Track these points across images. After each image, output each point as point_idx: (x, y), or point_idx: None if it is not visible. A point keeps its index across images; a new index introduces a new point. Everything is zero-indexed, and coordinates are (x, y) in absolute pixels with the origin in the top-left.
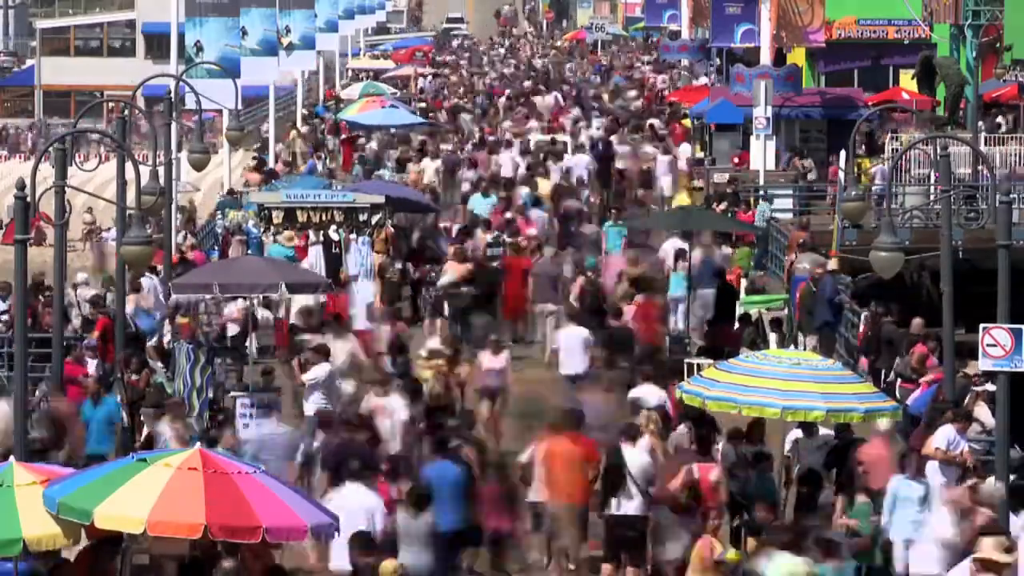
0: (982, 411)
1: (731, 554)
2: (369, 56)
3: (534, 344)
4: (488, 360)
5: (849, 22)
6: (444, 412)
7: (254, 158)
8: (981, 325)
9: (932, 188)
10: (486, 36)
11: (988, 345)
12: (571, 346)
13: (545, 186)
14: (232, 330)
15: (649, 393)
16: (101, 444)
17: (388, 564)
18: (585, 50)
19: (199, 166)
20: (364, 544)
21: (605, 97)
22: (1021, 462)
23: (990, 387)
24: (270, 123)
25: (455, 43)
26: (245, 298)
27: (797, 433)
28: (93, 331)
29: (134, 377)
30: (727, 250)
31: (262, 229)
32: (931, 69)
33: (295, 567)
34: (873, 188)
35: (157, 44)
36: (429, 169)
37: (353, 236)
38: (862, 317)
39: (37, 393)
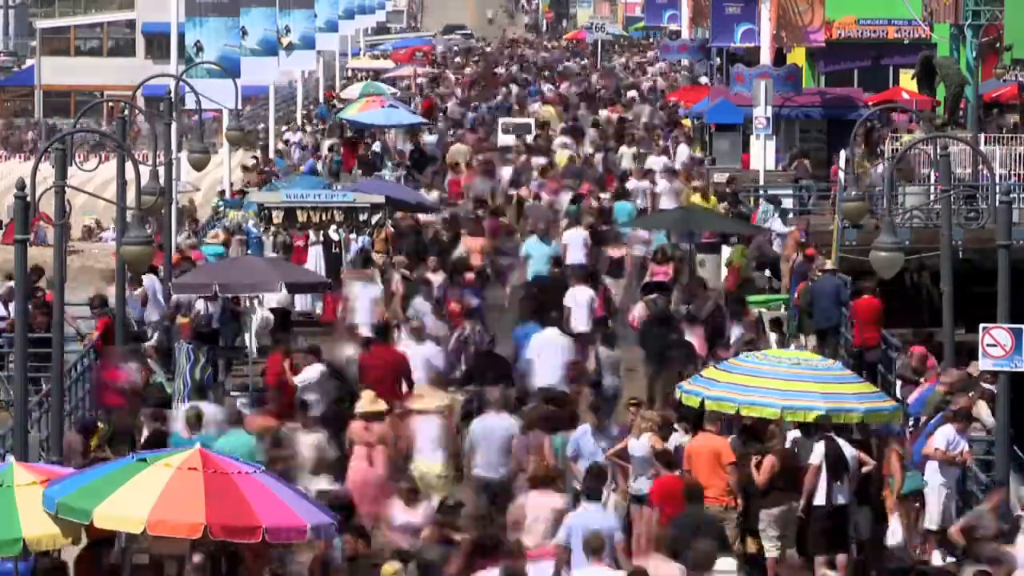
0: (982, 410)
1: None
2: (369, 56)
3: None
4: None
5: (849, 22)
6: None
7: (253, 157)
8: (981, 325)
9: (932, 188)
10: (488, 39)
11: (988, 345)
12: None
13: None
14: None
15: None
16: None
17: (388, 567)
18: (586, 50)
19: (199, 166)
20: None
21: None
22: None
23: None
24: (270, 123)
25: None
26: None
27: (797, 433)
28: (93, 331)
29: None
30: (727, 250)
31: (262, 229)
32: (931, 69)
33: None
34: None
35: (157, 44)
36: None
37: (353, 236)
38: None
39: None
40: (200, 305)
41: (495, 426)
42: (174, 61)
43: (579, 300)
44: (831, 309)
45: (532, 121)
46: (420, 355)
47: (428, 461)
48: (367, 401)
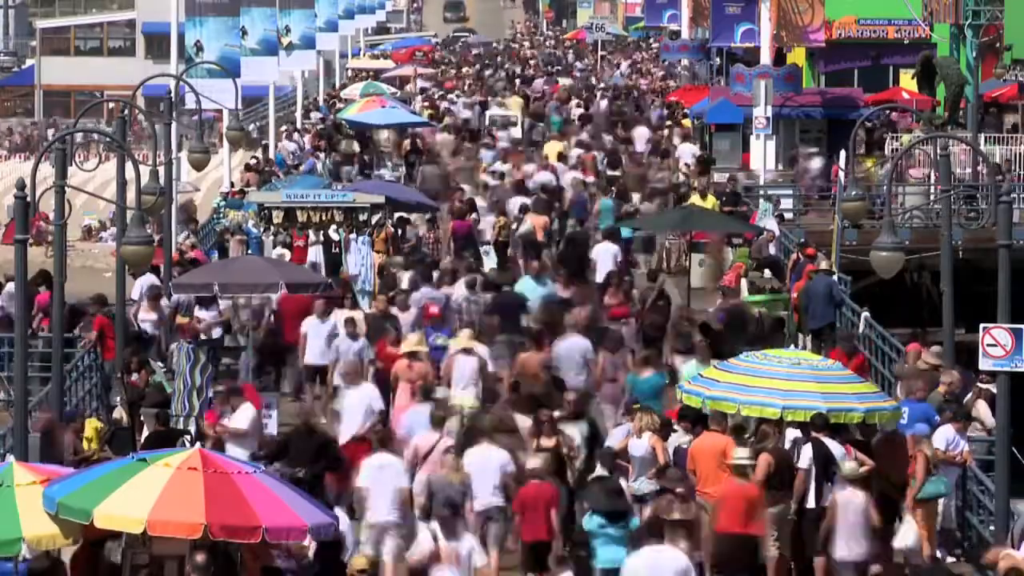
0: (982, 410)
1: None
2: (369, 56)
3: None
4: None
5: (849, 22)
6: None
7: (253, 157)
8: (981, 325)
9: (932, 188)
10: (492, 39)
11: (988, 345)
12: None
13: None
14: (215, 332)
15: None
16: None
17: (357, 560)
18: (585, 49)
19: (199, 166)
20: None
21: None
22: None
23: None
24: (270, 123)
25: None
26: (231, 298)
27: (797, 433)
28: (91, 331)
29: (134, 377)
30: (727, 250)
31: (262, 229)
32: (931, 69)
33: None
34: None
35: (157, 44)
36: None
37: (353, 236)
38: (862, 317)
39: None
40: (226, 304)
41: (574, 346)
42: (174, 61)
43: (603, 255)
44: (824, 309)
45: (518, 114)
46: (360, 397)
47: (462, 395)
48: (411, 342)
